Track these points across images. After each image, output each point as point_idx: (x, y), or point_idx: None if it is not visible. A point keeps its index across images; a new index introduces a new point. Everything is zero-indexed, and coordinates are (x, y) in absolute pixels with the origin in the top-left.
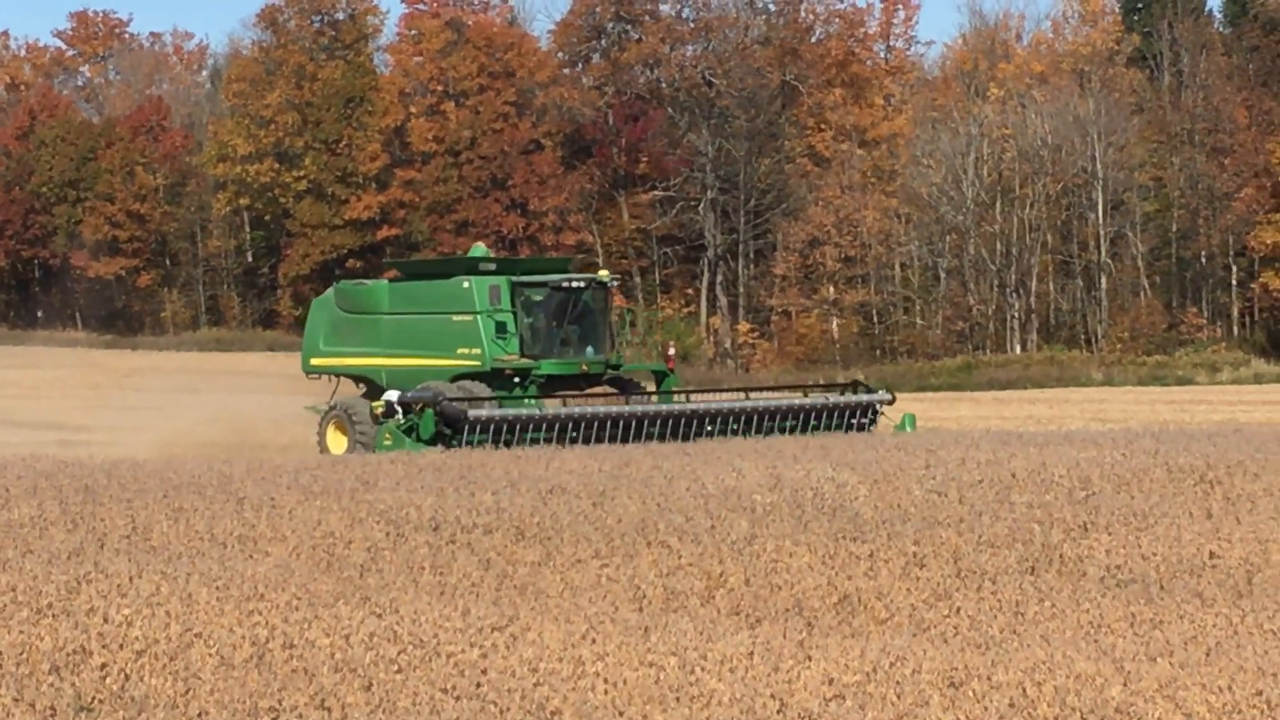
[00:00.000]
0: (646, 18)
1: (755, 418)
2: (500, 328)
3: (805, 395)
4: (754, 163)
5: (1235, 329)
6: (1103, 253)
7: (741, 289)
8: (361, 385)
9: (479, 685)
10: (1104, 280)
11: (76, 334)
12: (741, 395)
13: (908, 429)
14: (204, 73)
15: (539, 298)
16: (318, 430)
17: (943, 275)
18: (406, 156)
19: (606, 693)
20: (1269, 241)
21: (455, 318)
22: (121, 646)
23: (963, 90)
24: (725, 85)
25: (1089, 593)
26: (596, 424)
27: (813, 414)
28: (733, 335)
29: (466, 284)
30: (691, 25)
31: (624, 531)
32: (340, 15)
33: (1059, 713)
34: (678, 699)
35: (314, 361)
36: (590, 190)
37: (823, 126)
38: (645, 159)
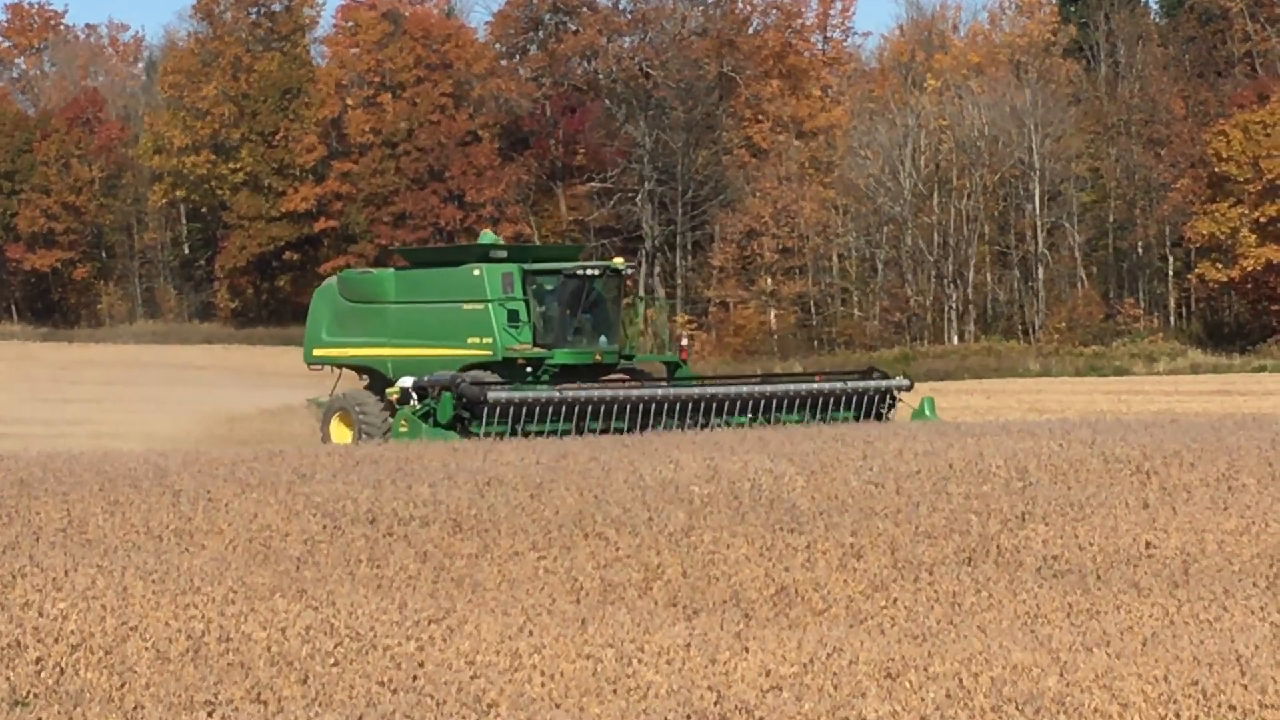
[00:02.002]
0: (584, 9)
1: (774, 403)
2: (512, 316)
3: (823, 380)
4: (691, 154)
5: (1172, 319)
6: (1040, 243)
7: (679, 280)
8: (364, 377)
9: (416, 678)
10: (1041, 271)
11: (12, 327)
12: (759, 381)
13: (927, 414)
14: (140, 65)
15: (551, 286)
16: (320, 422)
17: (880, 266)
18: (343, 148)
19: (543, 685)
20: (1205, 232)
21: (466, 306)
22: (57, 640)
23: (900, 81)
24: (662, 77)
25: (1026, 583)
26: (616, 408)
27: (831, 400)
28: (670, 326)
29: (477, 272)
30: (629, 17)
31: (561, 523)
32: (276, 7)
33: (995, 703)
34: (615, 691)
35: (316, 352)
36: (527, 182)
37: (760, 118)
38: (582, 150)
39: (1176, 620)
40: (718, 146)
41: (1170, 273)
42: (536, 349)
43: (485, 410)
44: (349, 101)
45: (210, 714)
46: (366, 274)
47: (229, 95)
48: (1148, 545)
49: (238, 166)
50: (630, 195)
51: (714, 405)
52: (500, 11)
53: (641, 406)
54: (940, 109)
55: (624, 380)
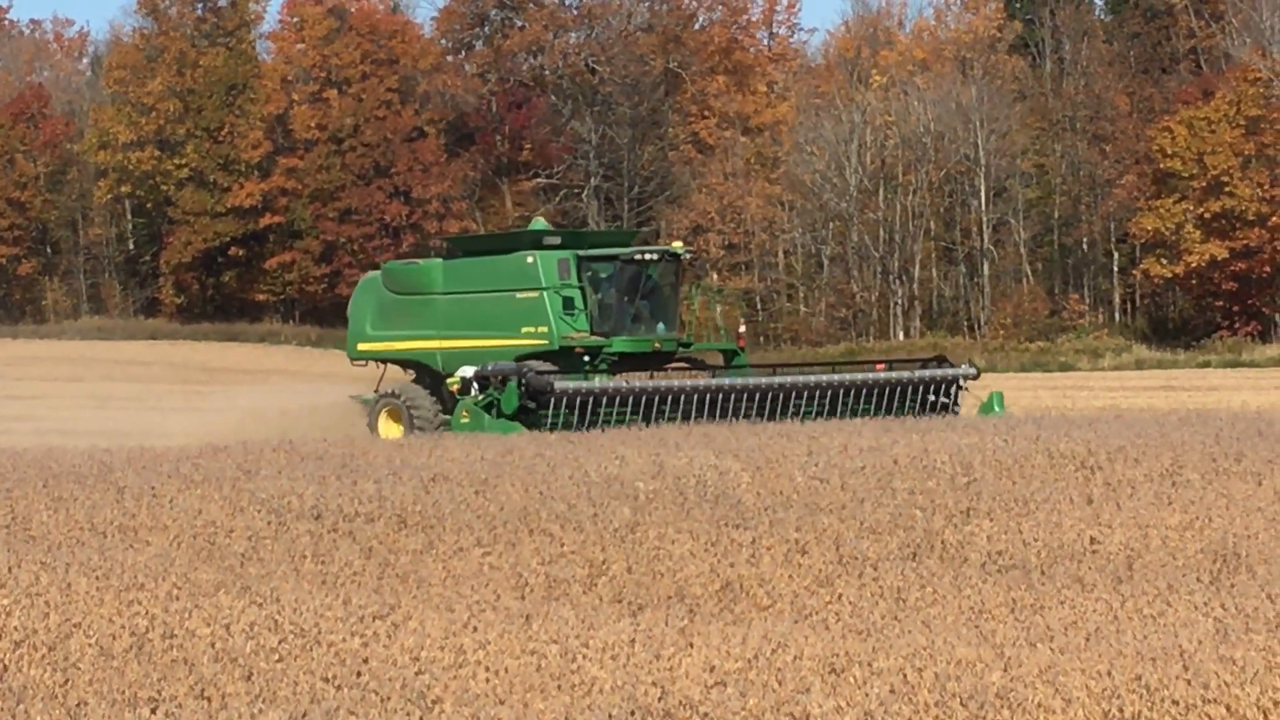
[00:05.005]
0: (530, 5)
1: (844, 393)
2: (568, 304)
3: (889, 368)
4: (637, 150)
5: (1117, 315)
6: (985, 239)
7: None
8: (410, 371)
9: (360, 674)
10: (986, 267)
11: None
12: (829, 371)
13: (996, 410)
14: (85, 60)
15: (607, 272)
16: (368, 419)
17: (826, 262)
18: (289, 144)
19: (488, 681)
20: (1150, 228)
21: (519, 295)
22: (0, 637)
23: (845, 77)
24: (608, 72)
25: (970, 579)
26: (684, 398)
27: (900, 390)
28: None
29: (531, 259)
30: (575, 12)
31: (506, 519)
32: (222, 2)
33: (939, 698)
34: (559, 687)
35: (361, 347)
36: (473, 178)
37: (706, 114)
38: (528, 146)
39: (1120, 615)
40: (664, 142)
41: (1115, 269)
42: (594, 337)
43: (552, 401)
44: (295, 97)
45: (154, 710)
46: (412, 265)
47: (174, 91)
48: (1092, 541)
49: (183, 162)
50: (576, 191)
51: (782, 396)
52: (446, 7)
53: (709, 398)
54: (886, 105)
55: (684, 369)
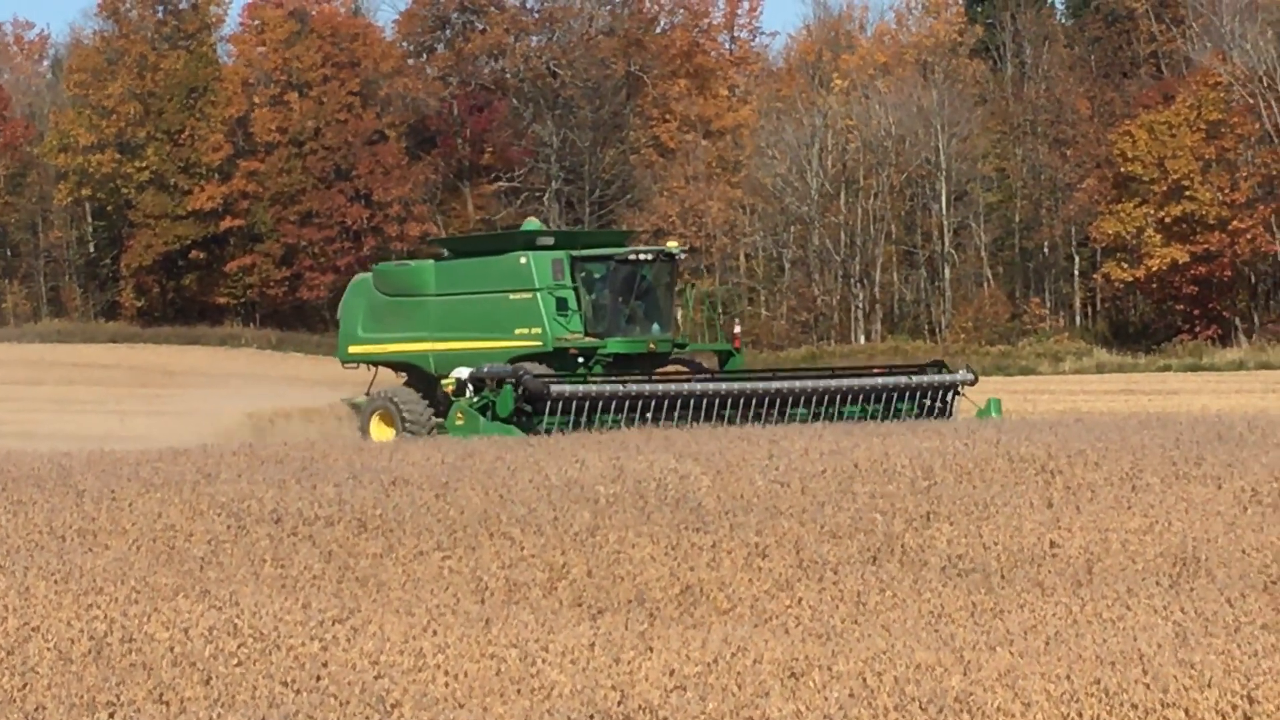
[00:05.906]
0: (491, 8)
1: (839, 397)
2: (561, 304)
3: (888, 373)
4: (599, 153)
5: (1078, 319)
6: (946, 243)
7: None
8: (402, 374)
9: (319, 678)
10: (947, 270)
11: None
12: (826, 375)
13: (993, 415)
14: (45, 63)
15: (601, 273)
16: (360, 422)
17: (787, 266)
18: (250, 147)
19: (447, 685)
20: (1110, 232)
21: (512, 296)
22: None
23: (807, 81)
24: (570, 76)
25: (930, 582)
26: (680, 402)
27: (896, 394)
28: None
29: (524, 259)
30: (536, 16)
31: (466, 523)
32: (183, 5)
33: (899, 702)
34: (518, 691)
35: (352, 350)
36: (435, 181)
37: (667, 117)
38: (490, 149)
39: (1080, 619)
40: (625, 146)
41: (1076, 272)
42: (588, 338)
43: (548, 405)
44: (256, 100)
45: (112, 715)
46: (404, 266)
47: (135, 93)
48: (1052, 544)
49: (143, 165)
50: (537, 194)
51: (779, 399)
52: (407, 10)
53: (706, 401)
54: (847, 109)
55: (682, 371)
